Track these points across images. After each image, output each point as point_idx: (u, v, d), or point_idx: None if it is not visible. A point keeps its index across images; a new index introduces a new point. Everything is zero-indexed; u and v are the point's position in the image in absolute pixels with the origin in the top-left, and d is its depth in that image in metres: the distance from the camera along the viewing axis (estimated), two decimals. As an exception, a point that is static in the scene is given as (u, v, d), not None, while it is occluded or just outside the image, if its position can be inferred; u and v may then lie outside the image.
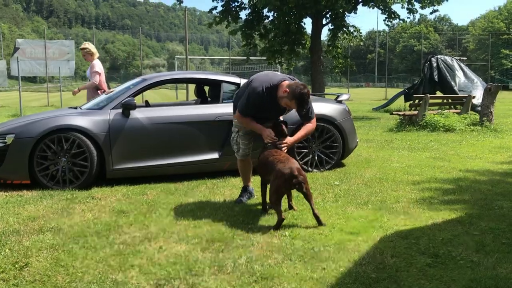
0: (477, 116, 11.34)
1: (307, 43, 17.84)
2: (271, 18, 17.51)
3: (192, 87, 9.29)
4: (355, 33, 18.14)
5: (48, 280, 2.87)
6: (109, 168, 5.42)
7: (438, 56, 15.74)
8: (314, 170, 6.09)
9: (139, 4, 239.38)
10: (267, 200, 4.28)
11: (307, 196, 3.89)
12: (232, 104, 4.79)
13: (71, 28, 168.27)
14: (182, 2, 18.28)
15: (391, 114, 13.28)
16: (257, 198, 4.76)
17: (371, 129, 11.57)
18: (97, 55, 7.47)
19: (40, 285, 2.82)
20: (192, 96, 9.06)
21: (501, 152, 7.72)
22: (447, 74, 14.89)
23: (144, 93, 6.94)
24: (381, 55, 64.04)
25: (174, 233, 3.71)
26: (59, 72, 25.30)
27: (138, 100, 6.20)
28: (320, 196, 4.82)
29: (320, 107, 6.21)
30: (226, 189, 5.22)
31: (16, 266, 3.05)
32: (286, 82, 4.22)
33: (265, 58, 18.18)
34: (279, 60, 18.14)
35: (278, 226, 3.78)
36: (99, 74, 7.29)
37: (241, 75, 7.54)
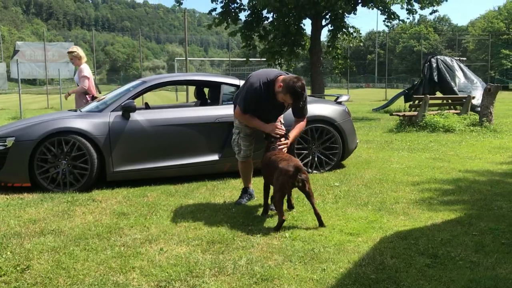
0: (477, 117, 11.35)
1: (307, 44, 17.85)
2: (270, 19, 17.53)
3: (192, 89, 9.32)
4: (354, 34, 18.14)
5: (50, 282, 2.88)
6: (109, 171, 5.43)
7: (438, 57, 15.75)
8: (314, 171, 6.11)
9: (139, 5, 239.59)
10: (269, 200, 4.31)
11: (309, 196, 3.91)
12: (232, 105, 4.81)
13: (71, 30, 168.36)
14: (181, 3, 18.29)
15: (391, 115, 13.29)
16: (257, 199, 4.78)
17: (371, 130, 11.59)
18: (85, 59, 7.37)
19: (42, 287, 2.84)
20: (192, 98, 9.08)
21: (500, 153, 7.74)
22: (447, 75, 14.89)
23: (144, 95, 6.94)
24: (381, 56, 64.09)
25: (175, 235, 3.73)
26: (59, 74, 25.29)
27: (138, 102, 6.21)
28: (320, 197, 4.83)
29: (320, 108, 6.23)
30: (226, 191, 5.23)
31: (18, 268, 3.07)
32: (281, 77, 4.25)
33: (264, 59, 18.17)
34: (279, 61, 18.15)
35: (279, 227, 3.79)
36: (88, 78, 7.20)
37: (241, 77, 7.56)
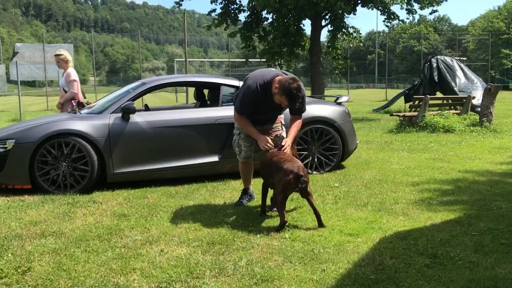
0: (477, 117, 11.36)
1: (307, 44, 17.86)
2: (270, 20, 17.53)
3: (191, 90, 9.33)
4: (354, 34, 18.14)
5: (51, 284, 2.89)
6: (109, 172, 5.44)
7: (438, 57, 15.76)
8: (314, 172, 6.12)
9: (138, 7, 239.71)
10: (269, 201, 4.32)
11: (309, 196, 3.92)
12: (232, 106, 4.82)
13: (70, 31, 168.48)
14: (181, 4, 18.31)
15: (391, 115, 13.30)
16: (257, 200, 4.79)
17: (371, 130, 11.60)
18: (71, 63, 7.20)
19: (43, 289, 2.85)
20: (192, 99, 9.09)
21: (500, 153, 7.75)
22: (447, 75, 14.90)
23: (144, 96, 6.95)
24: (381, 56, 64.10)
25: (175, 236, 3.74)
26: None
27: (137, 104, 6.22)
28: (320, 198, 4.84)
29: (319, 109, 6.24)
30: (226, 192, 5.25)
31: (19, 270, 3.08)
32: (278, 78, 4.23)
33: (264, 60, 18.18)
34: (279, 62, 18.16)
35: (281, 228, 3.80)
36: (76, 82, 7.00)
37: (240, 77, 7.57)
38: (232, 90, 6.18)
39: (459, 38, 63.28)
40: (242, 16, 17.34)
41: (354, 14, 17.25)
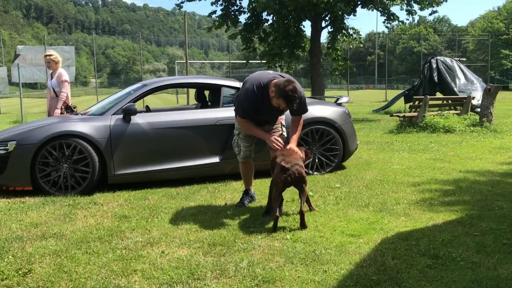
0: (477, 117, 11.35)
1: (307, 46, 17.86)
2: (270, 21, 17.53)
3: (192, 91, 9.34)
4: (354, 35, 18.13)
5: (52, 286, 2.89)
6: (110, 174, 5.44)
7: (438, 57, 15.75)
8: (315, 172, 6.11)
9: (139, 9, 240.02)
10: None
11: (301, 193, 3.92)
12: (232, 107, 4.81)
13: (71, 33, 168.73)
14: (181, 6, 18.32)
15: (391, 116, 13.30)
16: (258, 201, 4.78)
17: (371, 131, 11.59)
18: (61, 63, 7.13)
19: (44, 291, 2.84)
20: (193, 101, 9.09)
21: (501, 153, 7.74)
22: (447, 75, 14.90)
23: (145, 98, 6.94)
24: (381, 57, 64.11)
25: (176, 237, 3.73)
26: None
27: (138, 105, 6.23)
28: (321, 199, 4.84)
29: (320, 110, 6.24)
30: (227, 193, 5.24)
31: (20, 272, 3.07)
32: (274, 81, 4.22)
33: (265, 61, 18.19)
34: (280, 63, 18.16)
35: (275, 226, 3.82)
36: (68, 83, 6.96)
37: (241, 79, 7.57)
38: (233, 91, 6.18)
39: (458, 39, 63.31)
40: (242, 18, 17.43)
41: (354, 15, 17.26)
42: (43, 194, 5.19)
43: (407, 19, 21.54)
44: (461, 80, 14.87)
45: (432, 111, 11.87)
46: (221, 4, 17.51)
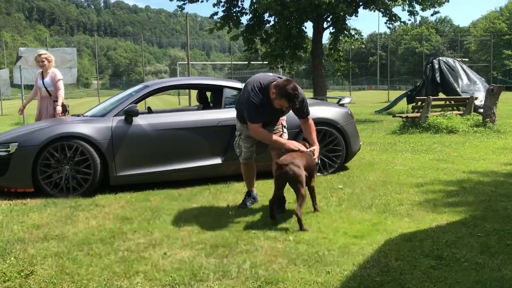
0: (480, 117, 11.32)
1: (309, 47, 17.85)
2: (272, 22, 17.52)
3: (194, 92, 9.33)
4: (356, 36, 18.12)
5: (54, 287, 2.88)
6: (112, 175, 5.43)
7: (440, 58, 15.73)
8: (318, 174, 6.09)
9: (141, 10, 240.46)
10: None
11: (297, 194, 3.97)
12: (234, 109, 4.79)
13: (73, 35, 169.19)
14: (183, 8, 18.32)
15: (394, 116, 13.27)
16: (260, 203, 4.77)
17: (374, 132, 11.57)
18: (54, 63, 7.05)
19: (45, 293, 2.83)
20: (195, 102, 9.09)
21: (504, 153, 7.71)
22: (450, 76, 14.87)
23: (147, 99, 6.94)
24: (383, 58, 64.06)
25: (178, 239, 3.72)
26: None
27: (140, 106, 6.22)
28: (324, 200, 4.82)
29: (322, 111, 6.22)
30: (230, 195, 5.22)
31: (22, 274, 3.06)
32: (273, 84, 4.24)
33: (266, 62, 18.18)
34: (282, 65, 18.16)
35: (271, 213, 4.07)
36: (62, 81, 6.92)
37: (243, 80, 7.56)
38: (235, 92, 6.16)
39: (460, 39, 63.22)
40: (244, 19, 17.32)
41: (356, 16, 17.24)
42: (44, 196, 5.18)
43: (409, 20, 21.56)
44: (464, 80, 14.84)
45: (435, 111, 11.85)
46: (223, 6, 17.51)
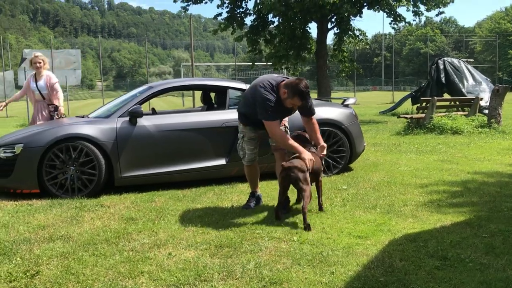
0: (485, 118, 11.28)
1: (313, 47, 17.85)
2: (276, 23, 17.54)
3: (198, 94, 9.35)
4: (360, 37, 18.11)
5: (59, 287, 2.89)
6: (117, 176, 5.45)
7: (445, 59, 15.69)
8: (322, 174, 6.08)
9: (145, 12, 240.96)
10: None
11: (300, 193, 4.22)
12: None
13: (77, 37, 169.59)
14: (187, 9, 18.36)
15: (398, 117, 13.24)
16: (264, 203, 4.78)
17: (378, 132, 11.55)
18: (48, 65, 6.97)
19: (51, 293, 2.85)
20: (199, 103, 9.10)
21: (509, 154, 7.68)
22: (455, 77, 14.83)
23: (151, 100, 6.96)
24: (388, 58, 63.98)
25: (183, 239, 3.73)
26: (66, 81, 25.52)
27: (144, 107, 6.24)
28: (328, 201, 4.82)
29: (326, 112, 6.22)
30: (234, 195, 5.23)
31: (27, 274, 3.08)
32: (282, 83, 4.27)
33: (270, 63, 18.19)
34: (286, 65, 18.16)
35: (276, 210, 4.19)
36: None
37: (247, 81, 7.57)
38: (239, 93, 6.17)
39: (465, 40, 63.04)
40: (248, 20, 17.31)
41: (360, 17, 17.29)
42: (50, 197, 5.20)
43: (414, 20, 21.45)
44: (469, 81, 14.80)
45: (440, 112, 11.82)
46: (227, 7, 17.54)
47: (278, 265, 3.14)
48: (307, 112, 4.47)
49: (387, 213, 4.35)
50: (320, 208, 4.44)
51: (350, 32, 17.63)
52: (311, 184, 4.23)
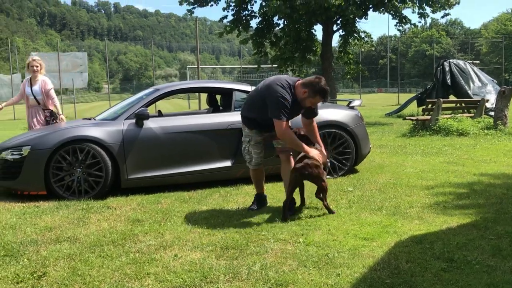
0: (491, 120, 11.23)
1: (318, 49, 17.85)
2: (281, 25, 17.57)
3: (204, 96, 9.38)
4: (366, 39, 18.10)
5: (66, 289, 2.91)
6: (123, 178, 5.47)
7: (451, 60, 15.66)
8: (328, 176, 6.08)
9: (151, 15, 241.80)
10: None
11: (319, 189, 4.36)
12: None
13: (84, 40, 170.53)
14: (193, 12, 18.41)
15: (404, 119, 13.20)
16: (270, 205, 4.78)
17: (384, 134, 11.53)
18: (44, 70, 6.87)
19: (58, 294, 2.86)
20: (204, 105, 9.12)
21: (516, 156, 7.64)
22: (460, 78, 14.79)
23: (157, 103, 6.98)
24: (393, 60, 63.82)
25: (189, 241, 3.74)
26: (73, 84, 25.66)
27: (151, 110, 6.26)
28: (334, 202, 4.81)
29: (332, 114, 6.22)
30: (239, 197, 5.24)
31: (34, 275, 3.10)
32: (299, 83, 4.28)
33: (276, 65, 18.21)
34: (291, 68, 18.17)
35: (284, 211, 4.27)
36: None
37: (252, 83, 7.58)
38: (244, 95, 6.18)
39: (471, 42, 62.80)
40: (253, 23, 17.38)
41: (366, 19, 17.23)
42: (57, 199, 5.23)
43: (419, 22, 21.43)
44: (475, 83, 14.76)
45: (445, 114, 11.78)
46: (232, 9, 17.59)
47: (284, 267, 3.14)
48: (311, 113, 4.48)
49: (393, 215, 4.34)
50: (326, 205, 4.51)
51: (355, 34, 17.63)
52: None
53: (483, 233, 3.73)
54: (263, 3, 16.60)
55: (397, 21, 17.24)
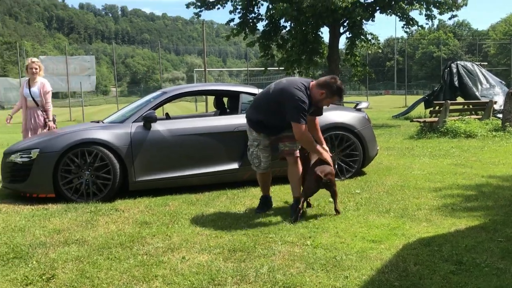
0: (499, 122, 11.17)
1: (325, 52, 17.83)
2: (288, 28, 17.55)
3: (211, 99, 9.39)
4: (373, 41, 18.03)
5: (74, 291, 2.93)
6: (131, 180, 5.49)
7: (458, 62, 15.59)
8: (335, 178, 6.07)
9: (158, 18, 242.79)
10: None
11: (332, 194, 4.49)
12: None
13: (92, 43, 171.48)
14: (200, 15, 18.46)
15: (411, 121, 13.17)
16: (277, 207, 4.78)
17: (391, 136, 11.49)
18: (43, 72, 6.87)
19: (67, 296, 2.88)
20: (211, 108, 9.14)
21: (525, 158, 7.59)
22: (468, 80, 14.72)
23: (165, 105, 7.01)
24: (400, 62, 63.64)
25: (196, 243, 3.75)
26: (81, 87, 25.82)
27: (158, 113, 6.29)
28: (342, 205, 4.80)
29: (339, 116, 6.21)
30: (247, 199, 5.24)
31: (43, 277, 3.12)
32: (313, 84, 4.30)
33: (283, 68, 18.21)
34: (298, 70, 18.15)
35: (296, 209, 4.34)
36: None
37: (259, 86, 7.58)
38: (251, 98, 6.18)
39: (479, 43, 62.48)
40: (260, 25, 17.37)
41: (373, 21, 17.20)
42: (65, 201, 5.26)
43: (427, 24, 21.37)
44: (483, 84, 14.68)
45: (453, 116, 11.72)
46: (239, 12, 17.61)
47: (291, 270, 3.14)
48: (318, 112, 4.53)
49: (401, 217, 4.33)
50: (339, 209, 4.54)
51: (362, 36, 17.56)
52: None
53: (492, 235, 3.71)
54: (270, 6, 16.61)
55: (404, 23, 17.17)
